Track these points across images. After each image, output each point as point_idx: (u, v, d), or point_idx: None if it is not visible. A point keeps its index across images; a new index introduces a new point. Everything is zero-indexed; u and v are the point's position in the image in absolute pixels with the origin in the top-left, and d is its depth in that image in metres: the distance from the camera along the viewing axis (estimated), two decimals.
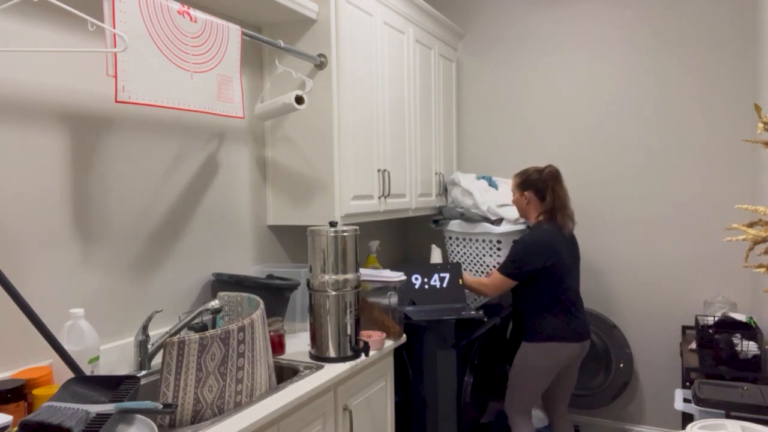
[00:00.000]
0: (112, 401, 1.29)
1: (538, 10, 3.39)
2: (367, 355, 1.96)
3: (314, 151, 2.36)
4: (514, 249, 2.57)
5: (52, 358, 1.53)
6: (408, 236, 3.81)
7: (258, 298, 1.77)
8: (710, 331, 2.47)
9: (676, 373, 3.15)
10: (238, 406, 1.52)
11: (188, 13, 1.72)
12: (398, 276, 2.28)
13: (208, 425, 1.40)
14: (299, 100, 2.16)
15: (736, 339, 2.37)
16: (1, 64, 1.49)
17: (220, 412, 1.48)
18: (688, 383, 2.44)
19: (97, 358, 1.58)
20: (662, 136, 3.13)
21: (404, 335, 2.29)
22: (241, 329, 1.54)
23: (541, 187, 2.61)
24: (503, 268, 2.56)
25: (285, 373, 1.89)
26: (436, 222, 3.33)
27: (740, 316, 2.56)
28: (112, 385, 1.36)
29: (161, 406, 1.29)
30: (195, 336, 1.44)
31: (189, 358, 1.42)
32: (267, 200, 2.47)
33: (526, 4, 3.42)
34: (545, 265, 2.49)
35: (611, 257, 3.27)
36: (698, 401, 1.95)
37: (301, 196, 2.40)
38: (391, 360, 2.24)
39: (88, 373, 1.52)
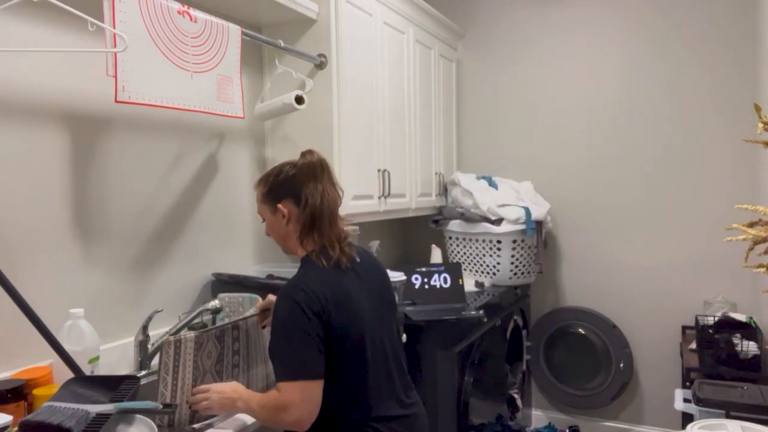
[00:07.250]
0: (112, 401, 1.29)
1: (539, 10, 3.38)
2: None
3: None
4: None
5: (52, 358, 1.52)
6: (408, 236, 3.81)
7: (259, 298, 1.77)
8: (710, 331, 2.46)
9: (676, 373, 3.15)
10: None
11: (188, 13, 1.72)
12: (398, 276, 2.28)
13: (207, 425, 1.40)
14: (299, 100, 2.16)
15: (736, 339, 2.37)
16: (1, 64, 1.49)
17: None
18: (688, 383, 2.43)
19: (97, 358, 1.58)
20: (662, 136, 3.13)
21: (404, 335, 2.29)
22: (236, 327, 1.54)
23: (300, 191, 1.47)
24: (282, 370, 1.33)
25: None
26: (436, 222, 3.33)
27: (740, 316, 2.56)
28: (112, 385, 1.36)
29: (161, 406, 1.29)
30: (191, 334, 1.44)
31: (186, 356, 1.42)
32: None
33: (526, 5, 3.42)
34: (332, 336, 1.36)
35: (611, 257, 3.27)
36: (698, 401, 1.95)
37: None
38: None
39: (88, 373, 1.52)
